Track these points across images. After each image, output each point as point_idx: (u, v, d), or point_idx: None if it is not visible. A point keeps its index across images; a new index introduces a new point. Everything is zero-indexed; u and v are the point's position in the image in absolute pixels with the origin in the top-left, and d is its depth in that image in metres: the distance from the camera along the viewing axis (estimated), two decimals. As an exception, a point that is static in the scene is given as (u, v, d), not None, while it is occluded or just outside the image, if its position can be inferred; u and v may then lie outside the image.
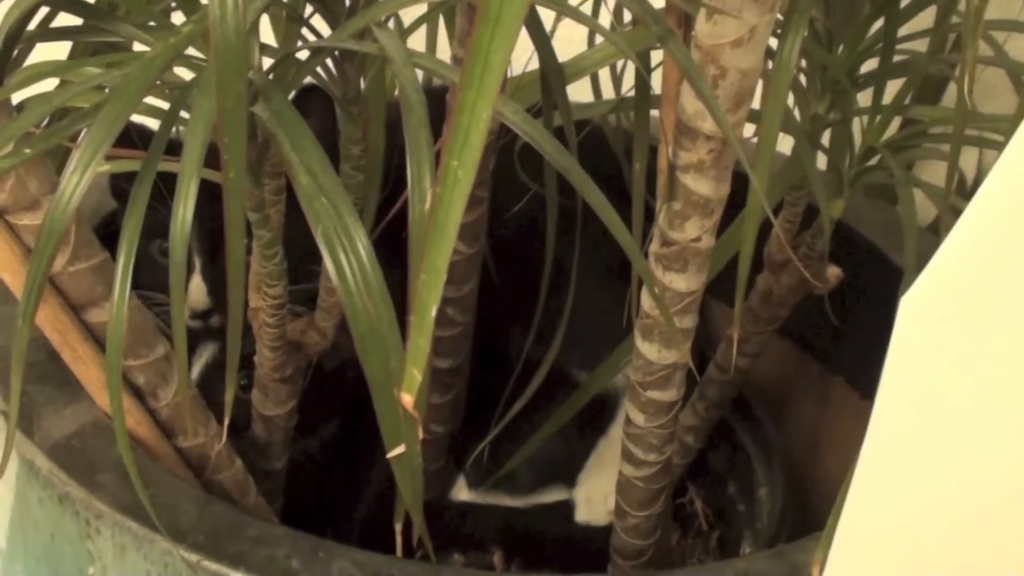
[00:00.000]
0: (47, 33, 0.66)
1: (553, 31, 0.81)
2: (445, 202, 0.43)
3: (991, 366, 0.45)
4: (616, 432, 0.96)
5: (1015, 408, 0.45)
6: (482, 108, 0.43)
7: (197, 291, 0.84)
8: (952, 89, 1.08)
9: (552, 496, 1.02)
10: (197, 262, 0.84)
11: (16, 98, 0.62)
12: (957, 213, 0.73)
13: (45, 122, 0.64)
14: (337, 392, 0.90)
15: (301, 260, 0.73)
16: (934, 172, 1.09)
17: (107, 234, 0.67)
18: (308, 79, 0.64)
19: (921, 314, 0.45)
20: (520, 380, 0.87)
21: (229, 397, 0.53)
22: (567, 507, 1.01)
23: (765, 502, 0.98)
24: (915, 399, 0.46)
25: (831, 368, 1.05)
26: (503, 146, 0.83)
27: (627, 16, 0.83)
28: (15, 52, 0.63)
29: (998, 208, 0.43)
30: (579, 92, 0.85)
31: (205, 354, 0.87)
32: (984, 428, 0.46)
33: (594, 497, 1.00)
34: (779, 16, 0.66)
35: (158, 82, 0.56)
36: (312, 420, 0.86)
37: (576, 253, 0.83)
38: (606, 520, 0.96)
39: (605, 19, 0.86)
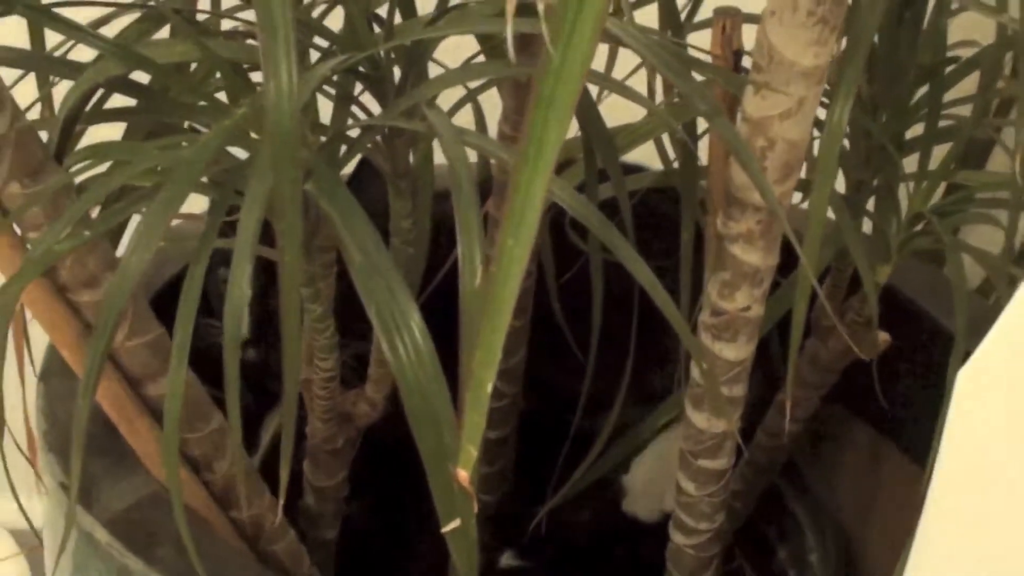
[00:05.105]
0: (103, 114, 0.67)
1: (599, 98, 0.82)
2: (501, 280, 0.43)
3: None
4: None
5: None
6: (537, 188, 0.43)
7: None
8: (997, 151, 1.08)
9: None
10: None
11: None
12: (1011, 280, 0.72)
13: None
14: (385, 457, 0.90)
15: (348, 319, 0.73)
16: (980, 234, 1.08)
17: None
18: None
19: (979, 387, 0.44)
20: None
21: (284, 477, 0.53)
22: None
23: (816, 569, 0.97)
24: (975, 477, 0.46)
25: (882, 432, 1.04)
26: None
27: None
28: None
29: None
30: (643, 155, 0.86)
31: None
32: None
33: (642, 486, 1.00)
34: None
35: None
36: (361, 486, 0.86)
37: (635, 321, 0.82)
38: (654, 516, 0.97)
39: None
